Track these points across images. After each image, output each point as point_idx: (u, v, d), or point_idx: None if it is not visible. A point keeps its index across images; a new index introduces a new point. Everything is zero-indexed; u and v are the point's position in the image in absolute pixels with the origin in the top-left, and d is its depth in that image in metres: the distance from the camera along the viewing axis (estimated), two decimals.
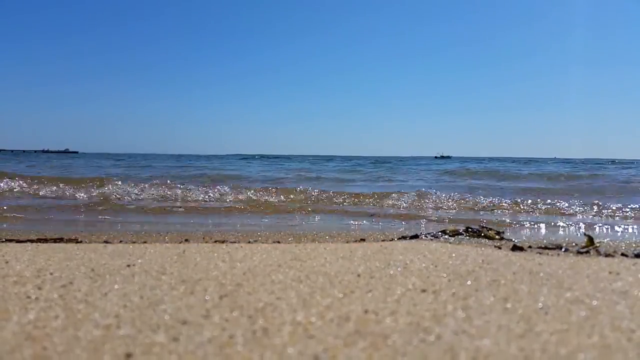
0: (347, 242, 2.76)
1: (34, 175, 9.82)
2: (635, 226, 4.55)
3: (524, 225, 4.46)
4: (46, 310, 1.15)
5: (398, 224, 4.47)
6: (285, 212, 5.41)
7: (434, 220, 4.67)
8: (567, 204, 6.27)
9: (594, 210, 5.83)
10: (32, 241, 2.74)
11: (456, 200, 6.39)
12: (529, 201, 6.34)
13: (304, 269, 1.68)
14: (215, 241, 2.91)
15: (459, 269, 1.71)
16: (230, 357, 0.89)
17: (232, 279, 1.51)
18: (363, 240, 3.08)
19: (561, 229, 4.31)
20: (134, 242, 2.70)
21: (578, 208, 6.03)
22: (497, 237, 3.00)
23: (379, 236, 3.54)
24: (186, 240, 3.28)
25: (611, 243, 2.95)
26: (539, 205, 6.12)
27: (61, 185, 7.62)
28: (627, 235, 3.78)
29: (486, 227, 3.25)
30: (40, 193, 6.91)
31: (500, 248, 2.48)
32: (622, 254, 2.30)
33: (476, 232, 3.10)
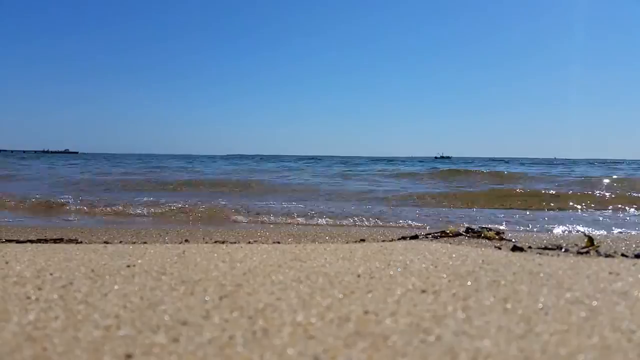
0: (347, 243, 2.76)
1: None
2: (635, 226, 4.54)
3: (520, 226, 4.46)
4: (46, 311, 1.15)
5: None
6: None
7: None
8: (567, 204, 6.27)
9: (594, 210, 5.83)
10: (32, 241, 2.75)
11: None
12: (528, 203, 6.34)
13: (304, 270, 1.68)
14: (215, 242, 2.92)
15: (459, 269, 1.71)
16: (230, 358, 0.89)
17: (232, 280, 1.51)
18: (363, 240, 3.09)
19: (561, 230, 4.31)
20: (134, 243, 2.71)
21: (578, 208, 6.02)
22: (496, 237, 3.00)
23: (378, 237, 3.54)
24: (186, 240, 3.28)
25: (611, 243, 2.95)
26: (538, 206, 6.12)
27: None
28: (627, 236, 3.78)
29: (486, 228, 3.25)
30: None
31: (500, 248, 2.48)
32: (622, 255, 2.30)
33: (476, 233, 3.10)
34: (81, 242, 2.84)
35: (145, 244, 2.49)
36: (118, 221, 5.00)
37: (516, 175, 13.79)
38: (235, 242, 2.79)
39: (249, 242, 2.82)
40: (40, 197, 6.61)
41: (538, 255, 2.18)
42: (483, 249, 2.38)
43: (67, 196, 6.82)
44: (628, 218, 5.34)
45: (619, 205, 6.24)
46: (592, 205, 6.42)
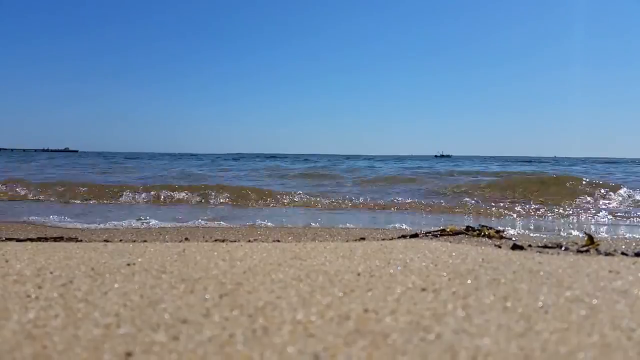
0: (347, 241, 2.76)
1: None
2: (636, 225, 4.55)
3: (520, 223, 4.46)
4: (46, 309, 1.15)
5: None
6: None
7: None
8: (566, 204, 6.27)
9: (594, 210, 5.83)
10: (32, 240, 2.75)
11: None
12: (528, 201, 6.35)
13: (304, 268, 1.68)
14: (216, 240, 2.92)
15: (459, 267, 1.71)
16: (230, 356, 0.89)
17: (232, 278, 1.51)
18: (363, 239, 3.09)
19: (561, 228, 4.31)
20: (134, 241, 2.71)
21: (577, 208, 6.02)
22: (496, 235, 3.00)
23: (378, 235, 3.54)
24: (186, 239, 3.28)
25: (611, 242, 2.95)
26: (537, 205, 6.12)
27: None
28: (627, 234, 3.78)
29: (486, 226, 3.25)
30: None
31: (500, 247, 2.48)
32: (622, 253, 2.30)
33: (476, 231, 3.10)
34: (81, 241, 2.84)
35: (145, 242, 2.49)
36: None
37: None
38: (235, 241, 2.79)
39: (249, 241, 2.82)
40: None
41: (538, 253, 2.18)
42: (483, 247, 2.38)
43: None
44: (628, 217, 5.34)
45: (619, 205, 6.25)
46: (592, 204, 6.42)
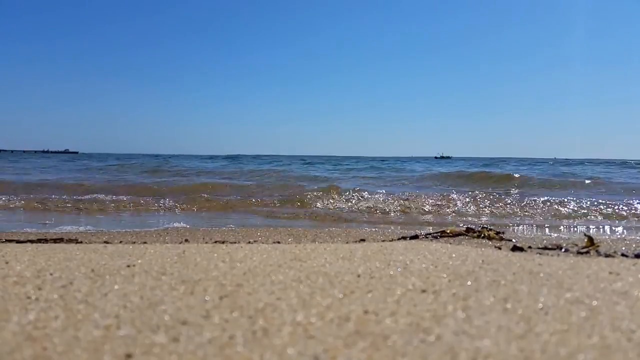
0: (347, 243, 2.76)
1: None
2: (636, 226, 4.55)
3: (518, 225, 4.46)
4: (46, 311, 1.15)
5: None
6: None
7: None
8: (566, 204, 6.27)
9: (594, 210, 5.83)
10: (32, 241, 2.75)
11: None
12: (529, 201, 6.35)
13: (304, 270, 1.68)
14: (215, 241, 2.92)
15: (459, 269, 1.71)
16: (230, 358, 0.89)
17: (232, 280, 1.51)
18: (363, 240, 3.09)
19: (561, 229, 4.31)
20: (134, 243, 2.71)
21: (577, 208, 6.03)
22: (497, 237, 3.00)
23: (378, 236, 3.54)
24: (186, 240, 3.28)
25: (611, 243, 2.95)
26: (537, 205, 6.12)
27: None
28: (627, 236, 3.78)
29: (486, 228, 3.25)
30: None
31: (500, 248, 2.48)
32: (622, 254, 2.30)
33: (476, 233, 3.10)
34: (81, 242, 2.84)
35: (145, 244, 2.49)
36: None
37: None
38: (235, 242, 2.79)
39: (249, 242, 2.82)
40: None
41: (538, 255, 2.18)
42: (483, 248, 2.38)
43: None
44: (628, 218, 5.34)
45: (619, 205, 6.25)
46: (592, 205, 6.42)
